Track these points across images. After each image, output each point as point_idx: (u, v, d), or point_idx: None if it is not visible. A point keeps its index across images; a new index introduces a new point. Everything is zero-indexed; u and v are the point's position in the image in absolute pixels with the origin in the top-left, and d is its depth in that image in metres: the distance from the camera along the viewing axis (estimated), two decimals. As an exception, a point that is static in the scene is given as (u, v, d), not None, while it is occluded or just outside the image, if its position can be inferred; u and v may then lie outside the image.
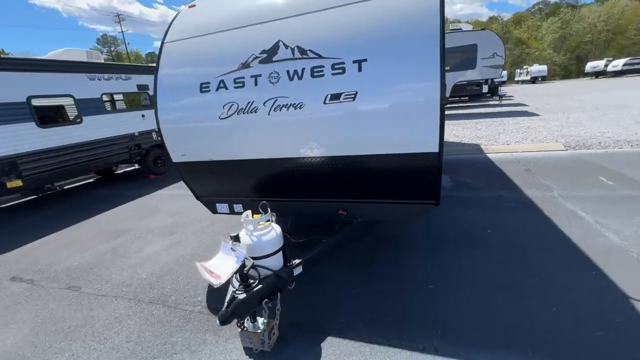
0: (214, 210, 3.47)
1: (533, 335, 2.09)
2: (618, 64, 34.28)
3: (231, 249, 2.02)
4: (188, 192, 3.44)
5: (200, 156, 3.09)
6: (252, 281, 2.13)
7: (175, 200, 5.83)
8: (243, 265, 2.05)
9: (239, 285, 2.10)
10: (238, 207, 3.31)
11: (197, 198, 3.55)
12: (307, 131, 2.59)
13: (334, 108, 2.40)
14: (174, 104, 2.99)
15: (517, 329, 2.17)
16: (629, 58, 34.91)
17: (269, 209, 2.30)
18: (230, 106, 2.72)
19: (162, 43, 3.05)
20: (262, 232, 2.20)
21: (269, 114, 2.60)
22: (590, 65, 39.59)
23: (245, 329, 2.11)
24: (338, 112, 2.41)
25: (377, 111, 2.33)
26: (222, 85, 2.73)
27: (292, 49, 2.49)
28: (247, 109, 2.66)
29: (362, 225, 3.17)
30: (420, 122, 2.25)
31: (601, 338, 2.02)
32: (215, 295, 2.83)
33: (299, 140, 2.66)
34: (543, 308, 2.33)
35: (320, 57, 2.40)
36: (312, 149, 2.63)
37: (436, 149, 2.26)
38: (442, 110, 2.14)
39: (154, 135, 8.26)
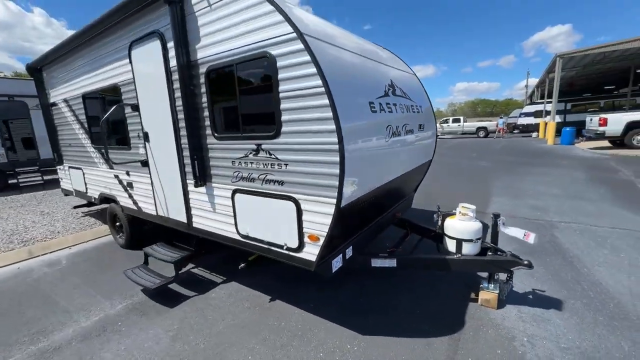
0: (328, 272, 2.50)
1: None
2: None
3: (507, 227, 2.71)
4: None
5: (364, 188, 2.40)
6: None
7: None
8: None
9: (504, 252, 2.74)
10: (349, 252, 2.80)
11: (317, 267, 2.33)
12: (412, 150, 3.38)
13: (421, 134, 3.54)
14: (354, 124, 2.14)
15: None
16: None
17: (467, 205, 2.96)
18: (389, 128, 2.72)
19: (301, 34, 1.99)
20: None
21: (404, 136, 3.05)
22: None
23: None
24: (421, 137, 3.58)
25: (426, 136, 3.85)
26: (381, 107, 2.63)
27: (400, 89, 3.22)
28: (396, 131, 2.86)
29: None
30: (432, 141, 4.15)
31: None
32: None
33: (410, 158, 3.34)
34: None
35: (410, 99, 3.42)
36: (411, 164, 3.44)
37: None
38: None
39: None
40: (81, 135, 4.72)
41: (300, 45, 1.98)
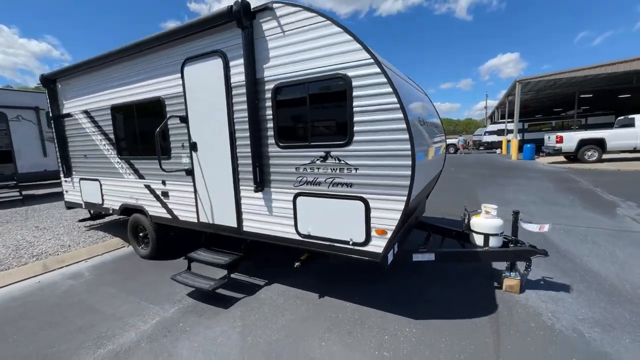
0: (385, 264, 2.83)
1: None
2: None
3: (525, 222, 3.22)
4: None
5: (418, 190, 2.81)
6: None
7: None
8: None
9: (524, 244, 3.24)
10: (395, 248, 3.16)
11: (382, 258, 2.67)
12: (435, 159, 3.87)
13: (439, 145, 4.07)
14: (416, 134, 2.55)
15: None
16: None
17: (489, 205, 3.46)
18: (427, 139, 3.18)
19: (378, 60, 2.41)
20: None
21: (433, 146, 3.54)
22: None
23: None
24: (439, 148, 4.10)
25: (442, 148, 4.39)
26: (423, 122, 3.11)
27: (426, 107, 3.74)
28: (431, 142, 3.34)
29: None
30: (444, 153, 4.70)
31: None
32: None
33: (433, 166, 3.83)
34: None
35: (432, 115, 3.95)
36: (433, 172, 3.93)
37: (442, 167, 4.85)
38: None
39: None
40: (104, 146, 4.73)
41: (377, 69, 2.40)
